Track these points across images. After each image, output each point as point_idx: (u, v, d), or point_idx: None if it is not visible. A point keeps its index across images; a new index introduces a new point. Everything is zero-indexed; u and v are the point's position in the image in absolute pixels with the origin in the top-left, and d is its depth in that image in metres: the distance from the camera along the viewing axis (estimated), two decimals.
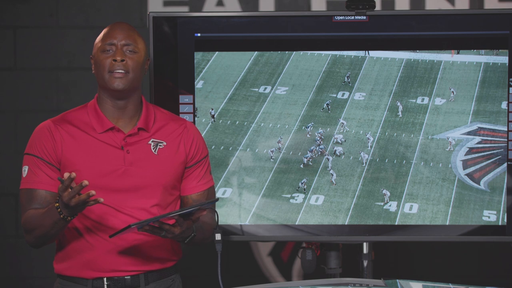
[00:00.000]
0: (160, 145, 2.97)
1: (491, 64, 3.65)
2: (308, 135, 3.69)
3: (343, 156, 3.67)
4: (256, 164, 3.67)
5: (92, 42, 3.05)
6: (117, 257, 2.90)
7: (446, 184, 3.63)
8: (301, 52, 3.70)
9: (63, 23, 4.77)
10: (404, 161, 3.66)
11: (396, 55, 3.72)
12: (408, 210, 3.63)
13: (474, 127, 3.66)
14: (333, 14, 3.61)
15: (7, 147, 4.81)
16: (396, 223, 3.63)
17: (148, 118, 2.99)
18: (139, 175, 2.91)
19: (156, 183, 2.93)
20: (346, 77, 3.73)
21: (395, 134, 3.68)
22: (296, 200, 3.65)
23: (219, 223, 2.87)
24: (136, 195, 2.90)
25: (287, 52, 3.68)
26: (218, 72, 3.68)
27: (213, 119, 3.69)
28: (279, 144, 3.68)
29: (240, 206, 3.65)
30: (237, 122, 3.70)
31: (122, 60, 2.88)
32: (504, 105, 3.62)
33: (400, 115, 3.70)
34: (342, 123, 3.69)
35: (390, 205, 3.64)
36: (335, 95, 3.73)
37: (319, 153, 3.68)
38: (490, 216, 3.61)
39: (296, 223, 3.64)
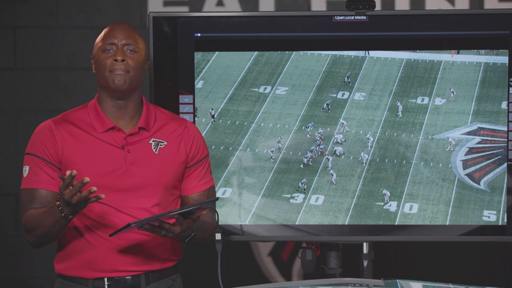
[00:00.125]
0: (161, 145, 2.97)
1: (491, 64, 3.65)
2: (308, 135, 3.69)
3: (343, 156, 3.67)
4: (256, 164, 3.67)
5: (92, 42, 3.05)
6: (118, 257, 2.90)
7: (446, 184, 3.63)
8: (301, 52, 3.70)
9: (63, 23, 4.77)
10: (404, 161, 3.66)
11: (396, 55, 3.72)
12: (408, 210, 3.63)
13: (474, 127, 3.66)
14: (333, 14, 3.61)
15: (7, 147, 4.81)
16: (396, 223, 3.63)
17: (149, 117, 2.99)
18: (140, 175, 2.91)
19: (157, 182, 2.93)
20: (346, 77, 3.73)
21: (395, 134, 3.68)
22: (296, 200, 3.65)
23: (219, 223, 2.87)
24: (137, 195, 2.90)
25: (287, 52, 3.68)
26: (218, 72, 3.68)
27: (213, 119, 3.69)
28: (279, 144, 3.68)
29: (240, 206, 3.65)
30: (237, 122, 3.70)
31: (123, 60, 2.88)
32: (504, 105, 3.62)
33: (400, 115, 3.70)
34: (342, 123, 3.69)
35: (390, 205, 3.64)
36: (335, 95, 3.73)
37: (319, 153, 3.68)
38: (490, 216, 3.61)
39: (296, 223, 3.64)
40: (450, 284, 2.85)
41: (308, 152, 3.67)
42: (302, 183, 3.65)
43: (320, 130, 3.69)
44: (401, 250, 4.86)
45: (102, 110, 2.95)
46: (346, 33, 3.61)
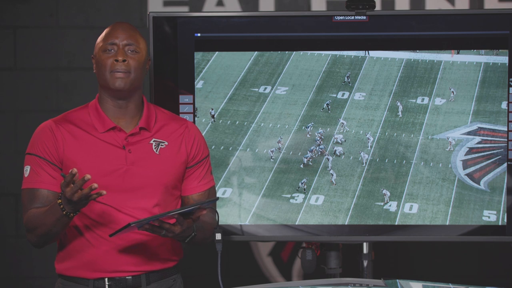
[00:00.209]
0: (161, 145, 2.97)
1: (491, 64, 3.65)
2: (308, 135, 3.69)
3: (343, 156, 3.67)
4: (256, 164, 3.67)
5: (92, 42, 3.05)
6: (118, 257, 2.90)
7: (446, 184, 3.63)
8: (301, 52, 3.70)
9: (63, 23, 4.77)
10: (404, 161, 3.66)
11: (396, 55, 3.72)
12: (408, 210, 3.63)
13: (474, 127, 3.66)
14: (333, 14, 3.61)
15: (7, 147, 4.81)
16: (396, 223, 3.63)
17: (150, 117, 2.99)
18: (140, 175, 2.91)
19: (158, 182, 2.93)
20: (346, 77, 3.73)
21: (395, 134, 3.68)
22: (296, 200, 3.65)
23: (219, 223, 2.87)
24: (137, 195, 2.90)
25: (287, 52, 3.68)
26: (218, 72, 3.68)
27: (213, 119, 3.69)
28: (279, 144, 3.68)
29: (240, 206, 3.65)
30: (237, 122, 3.70)
31: (124, 60, 2.88)
32: (504, 105, 3.62)
33: (400, 115, 3.70)
34: (342, 123, 3.69)
35: (390, 205, 3.64)
36: (335, 95, 3.73)
37: (319, 153, 3.68)
38: (490, 216, 3.61)
39: (296, 223, 3.64)
40: (450, 284, 2.85)
41: (308, 152, 3.67)
42: (302, 183, 3.65)
43: (320, 130, 3.69)
44: (401, 250, 4.86)
45: (103, 110, 2.95)
46: (346, 33, 3.62)
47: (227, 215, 3.63)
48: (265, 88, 3.74)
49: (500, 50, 3.61)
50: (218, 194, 3.61)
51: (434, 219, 3.61)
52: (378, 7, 4.23)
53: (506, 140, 3.61)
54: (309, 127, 3.69)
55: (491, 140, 3.64)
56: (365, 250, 3.75)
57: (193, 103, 3.63)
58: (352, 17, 3.59)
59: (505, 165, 3.60)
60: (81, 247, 2.91)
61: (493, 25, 3.58)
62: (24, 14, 4.76)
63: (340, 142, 3.68)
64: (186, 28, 3.60)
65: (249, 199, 3.65)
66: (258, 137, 3.68)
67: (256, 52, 3.69)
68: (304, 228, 3.64)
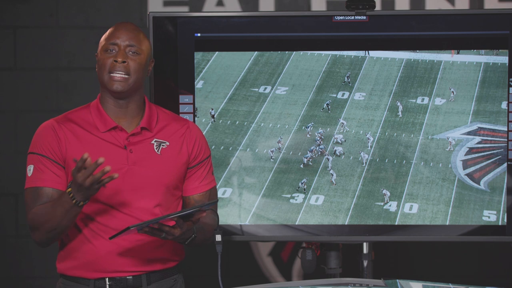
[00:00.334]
0: (163, 145, 2.97)
1: (491, 64, 3.65)
2: (308, 135, 3.69)
3: (343, 156, 3.67)
4: (256, 164, 3.67)
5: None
6: (119, 257, 2.90)
7: (446, 184, 3.63)
8: (301, 52, 3.70)
9: (63, 23, 4.77)
10: (404, 161, 3.66)
11: (396, 55, 3.72)
12: (408, 210, 3.63)
13: (474, 127, 3.66)
14: (333, 14, 3.61)
15: (7, 147, 4.81)
16: (396, 223, 3.63)
17: (151, 117, 2.99)
18: (141, 175, 2.91)
19: (159, 183, 2.93)
20: (346, 77, 3.73)
21: (395, 134, 3.69)
22: (296, 200, 3.65)
23: (219, 223, 2.87)
24: (138, 195, 2.90)
25: (287, 52, 3.68)
26: (218, 72, 3.68)
27: (213, 119, 3.69)
28: (279, 144, 3.68)
29: (240, 206, 3.65)
30: (237, 122, 3.70)
31: (123, 62, 2.88)
32: (504, 105, 3.62)
33: (400, 115, 3.70)
34: (342, 123, 3.69)
35: (390, 205, 3.64)
36: (335, 95, 3.73)
37: (319, 153, 3.68)
38: (490, 216, 3.61)
39: (296, 223, 3.64)
40: (450, 284, 2.85)
41: (308, 152, 3.67)
42: (302, 183, 3.65)
43: (320, 130, 3.69)
44: (401, 250, 4.86)
45: (104, 110, 2.95)
46: (346, 33, 3.62)
47: (227, 215, 3.64)
48: (265, 88, 3.74)
49: (500, 50, 3.61)
50: (218, 194, 3.61)
51: (434, 219, 3.61)
52: (378, 7, 4.23)
53: (506, 140, 3.61)
54: (309, 127, 3.69)
55: (491, 140, 3.64)
56: (365, 250, 3.75)
57: (193, 103, 3.63)
58: (352, 17, 3.59)
59: (505, 165, 3.60)
60: (81, 247, 2.90)
61: (493, 25, 3.58)
62: (24, 14, 4.76)
63: (340, 142, 3.68)
64: (186, 28, 3.60)
65: (249, 199, 3.65)
66: (258, 137, 3.69)
67: (256, 52, 3.69)
68: (304, 228, 3.64)
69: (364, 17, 3.59)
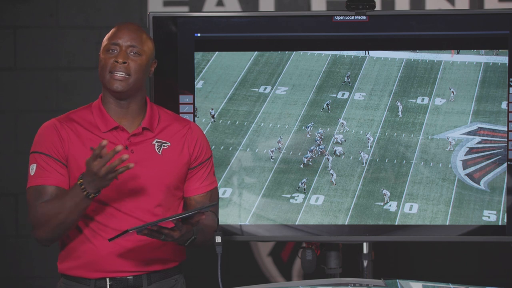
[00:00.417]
0: (164, 146, 2.97)
1: (491, 64, 3.65)
2: (308, 135, 3.69)
3: (343, 156, 3.67)
4: (256, 164, 3.67)
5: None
6: (120, 257, 2.90)
7: (446, 184, 3.63)
8: (301, 52, 3.70)
9: (63, 23, 4.77)
10: (404, 161, 3.66)
11: (396, 55, 3.72)
12: (408, 210, 3.63)
13: (474, 127, 3.66)
14: (333, 14, 3.61)
15: (7, 147, 4.81)
16: (396, 223, 3.63)
17: (153, 118, 2.98)
18: (143, 175, 2.91)
19: (160, 183, 2.93)
20: (346, 77, 3.73)
21: (395, 134, 3.69)
22: (296, 200, 3.65)
23: (219, 223, 2.87)
24: (139, 195, 2.90)
25: (287, 52, 3.68)
26: (218, 72, 3.68)
27: (213, 119, 3.69)
28: (279, 144, 3.68)
29: (240, 206, 3.65)
30: (237, 122, 3.70)
31: (124, 62, 2.87)
32: (504, 105, 3.62)
33: (400, 115, 3.70)
34: (342, 123, 3.69)
35: (390, 205, 3.64)
36: (335, 95, 3.73)
37: (319, 153, 3.68)
38: (490, 216, 3.61)
39: (296, 223, 3.64)
40: (450, 284, 2.85)
41: (308, 152, 3.67)
42: (302, 183, 3.65)
43: (320, 130, 3.69)
44: (401, 250, 4.86)
45: (106, 110, 2.94)
46: (346, 33, 3.62)
47: (227, 215, 3.63)
48: (265, 88, 3.74)
49: (500, 50, 3.61)
50: (218, 194, 3.61)
51: (434, 219, 3.61)
52: (378, 7, 4.23)
53: (506, 140, 3.61)
54: (309, 127, 3.69)
55: (491, 140, 3.64)
56: (365, 250, 3.75)
57: (193, 103, 3.63)
58: (352, 17, 3.59)
59: (505, 165, 3.60)
60: (82, 247, 2.90)
61: (493, 25, 3.58)
62: (24, 14, 4.76)
63: (340, 142, 3.68)
64: (186, 28, 3.60)
65: (249, 199, 3.65)
66: (258, 137, 3.69)
67: (256, 52, 3.69)
68: (304, 228, 3.64)
69: (364, 17, 3.59)
